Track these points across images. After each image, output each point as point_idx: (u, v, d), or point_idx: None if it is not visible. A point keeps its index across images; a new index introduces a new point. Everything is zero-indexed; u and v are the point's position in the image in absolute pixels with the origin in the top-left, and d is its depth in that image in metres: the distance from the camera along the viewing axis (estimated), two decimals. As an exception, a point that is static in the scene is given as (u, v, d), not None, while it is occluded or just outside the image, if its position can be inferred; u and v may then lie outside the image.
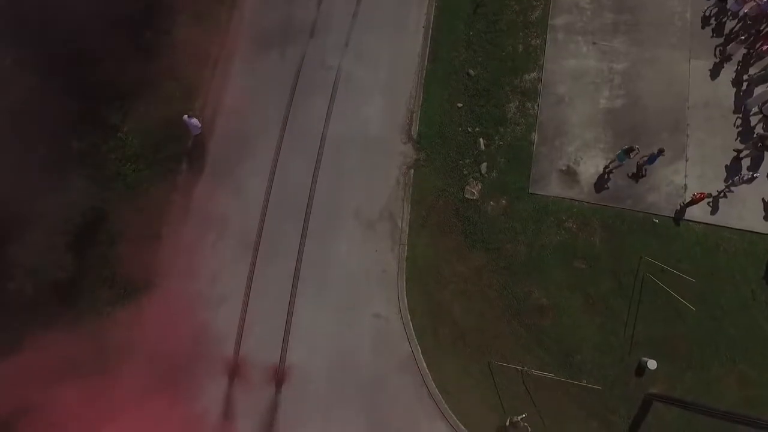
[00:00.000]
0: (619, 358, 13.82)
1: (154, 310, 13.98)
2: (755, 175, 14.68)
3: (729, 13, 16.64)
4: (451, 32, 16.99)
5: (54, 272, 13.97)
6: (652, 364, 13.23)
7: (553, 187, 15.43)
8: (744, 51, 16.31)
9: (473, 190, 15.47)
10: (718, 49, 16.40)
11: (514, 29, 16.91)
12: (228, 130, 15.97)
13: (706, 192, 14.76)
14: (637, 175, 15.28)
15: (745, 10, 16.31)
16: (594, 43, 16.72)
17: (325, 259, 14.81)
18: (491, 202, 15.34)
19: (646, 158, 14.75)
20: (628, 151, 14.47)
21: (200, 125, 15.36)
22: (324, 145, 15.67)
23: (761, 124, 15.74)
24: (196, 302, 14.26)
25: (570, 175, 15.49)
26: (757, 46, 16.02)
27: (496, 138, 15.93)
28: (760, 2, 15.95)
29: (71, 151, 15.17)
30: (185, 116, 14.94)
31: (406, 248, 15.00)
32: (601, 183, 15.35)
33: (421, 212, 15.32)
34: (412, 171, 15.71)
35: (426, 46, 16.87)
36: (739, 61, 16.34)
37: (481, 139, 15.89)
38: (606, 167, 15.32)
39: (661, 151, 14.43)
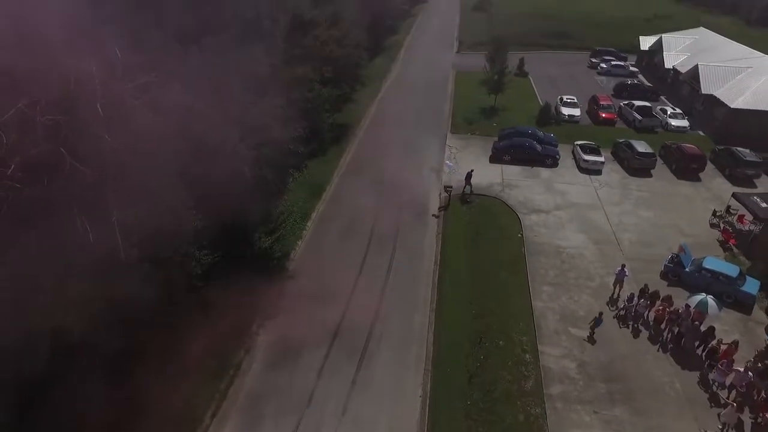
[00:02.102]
0: None
1: None
2: None
3: (716, 384, 17.19)
4: (449, 401, 16.81)
5: None
6: None
7: None
8: (751, 420, 15.96)
9: None
10: (722, 419, 16.06)
11: (510, 398, 16.87)
12: None
13: None
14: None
15: (729, 381, 16.96)
16: (595, 412, 16.43)
17: None
18: None
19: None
20: None
21: None
22: None
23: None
24: None
25: None
26: (763, 415, 15.80)
27: None
28: (738, 372, 16.76)
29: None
30: None
31: None
32: None
33: None
34: None
35: (424, 415, 16.42)
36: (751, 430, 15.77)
37: None
38: None
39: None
